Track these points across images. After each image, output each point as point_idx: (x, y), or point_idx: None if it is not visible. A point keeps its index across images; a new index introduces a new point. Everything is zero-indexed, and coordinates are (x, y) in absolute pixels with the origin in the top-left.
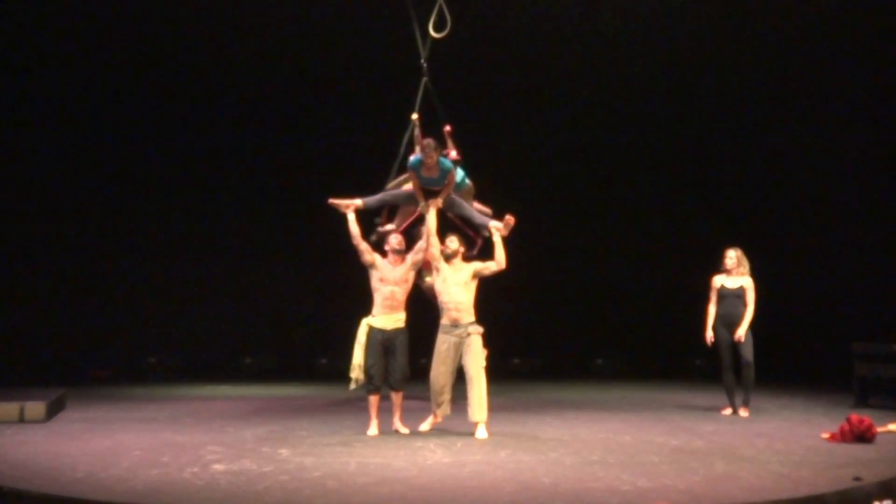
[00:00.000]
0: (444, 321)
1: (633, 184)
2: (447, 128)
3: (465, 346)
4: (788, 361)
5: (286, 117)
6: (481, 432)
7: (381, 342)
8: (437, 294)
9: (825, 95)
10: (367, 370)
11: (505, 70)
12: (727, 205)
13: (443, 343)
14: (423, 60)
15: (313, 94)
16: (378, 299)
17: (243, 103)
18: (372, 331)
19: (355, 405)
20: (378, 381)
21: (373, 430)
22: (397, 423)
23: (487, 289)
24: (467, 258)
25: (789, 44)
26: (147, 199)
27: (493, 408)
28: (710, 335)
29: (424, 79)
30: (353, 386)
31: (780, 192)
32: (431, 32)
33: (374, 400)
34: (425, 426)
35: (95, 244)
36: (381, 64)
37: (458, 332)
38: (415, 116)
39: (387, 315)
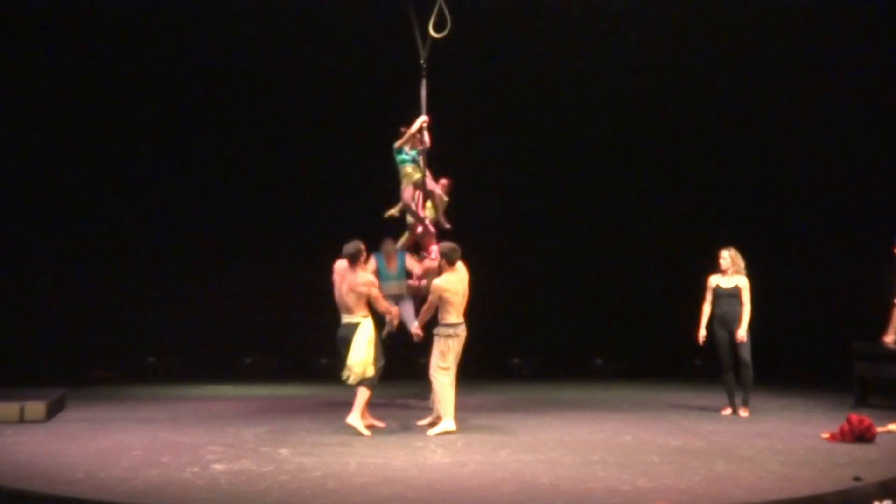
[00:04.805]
0: None
1: (632, 184)
2: (425, 118)
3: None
4: (788, 361)
5: (285, 120)
6: (432, 429)
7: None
8: None
9: (825, 94)
10: (378, 368)
11: (504, 70)
12: (726, 205)
13: None
14: (422, 61)
15: (312, 96)
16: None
17: (242, 106)
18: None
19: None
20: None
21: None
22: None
23: (488, 288)
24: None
25: (790, 41)
26: (147, 199)
27: (492, 408)
28: (702, 335)
29: (424, 80)
30: (370, 384)
31: (779, 192)
32: (431, 33)
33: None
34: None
35: (95, 245)
36: (380, 66)
37: (435, 330)
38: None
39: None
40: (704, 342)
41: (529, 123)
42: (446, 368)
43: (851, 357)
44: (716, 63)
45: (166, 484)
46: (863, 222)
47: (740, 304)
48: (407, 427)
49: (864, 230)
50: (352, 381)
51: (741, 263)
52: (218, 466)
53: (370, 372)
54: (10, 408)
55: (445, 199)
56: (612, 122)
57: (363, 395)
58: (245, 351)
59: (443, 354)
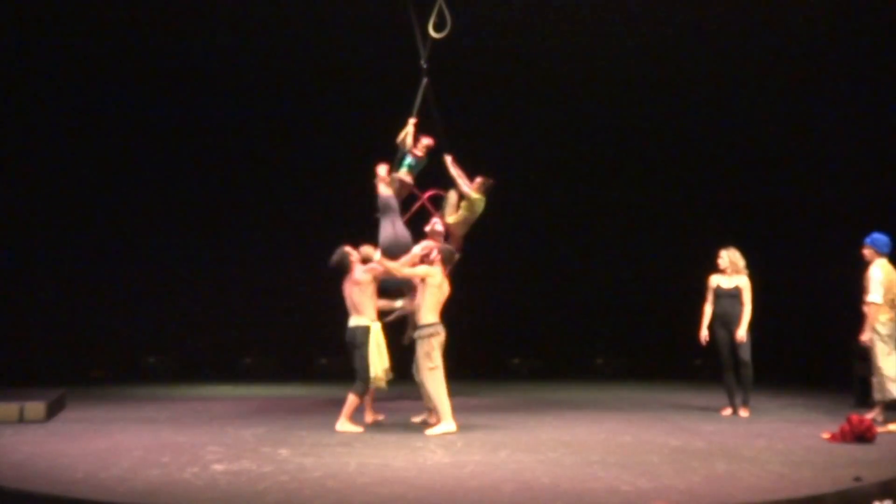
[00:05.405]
0: None
1: (633, 183)
2: (413, 120)
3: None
4: (788, 361)
5: (284, 120)
6: (430, 429)
7: None
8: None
9: (825, 95)
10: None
11: (503, 69)
12: (727, 205)
13: None
14: (423, 61)
15: (312, 96)
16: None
17: (241, 106)
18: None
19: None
20: None
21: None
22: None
23: (488, 289)
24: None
25: (790, 40)
26: (146, 199)
27: (492, 408)
28: (704, 335)
29: (425, 80)
30: (361, 390)
31: (779, 192)
32: (431, 33)
33: None
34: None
35: (95, 244)
36: (380, 65)
37: (415, 333)
38: (412, 121)
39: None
40: (706, 343)
41: (532, 123)
42: (436, 368)
43: (851, 357)
44: (718, 63)
45: (166, 484)
46: (864, 222)
47: (741, 304)
48: (407, 427)
49: (864, 230)
50: (382, 385)
51: (741, 263)
52: (218, 466)
53: (386, 375)
54: (10, 408)
55: (475, 196)
56: (613, 122)
57: (352, 400)
58: (245, 351)
59: (428, 355)
